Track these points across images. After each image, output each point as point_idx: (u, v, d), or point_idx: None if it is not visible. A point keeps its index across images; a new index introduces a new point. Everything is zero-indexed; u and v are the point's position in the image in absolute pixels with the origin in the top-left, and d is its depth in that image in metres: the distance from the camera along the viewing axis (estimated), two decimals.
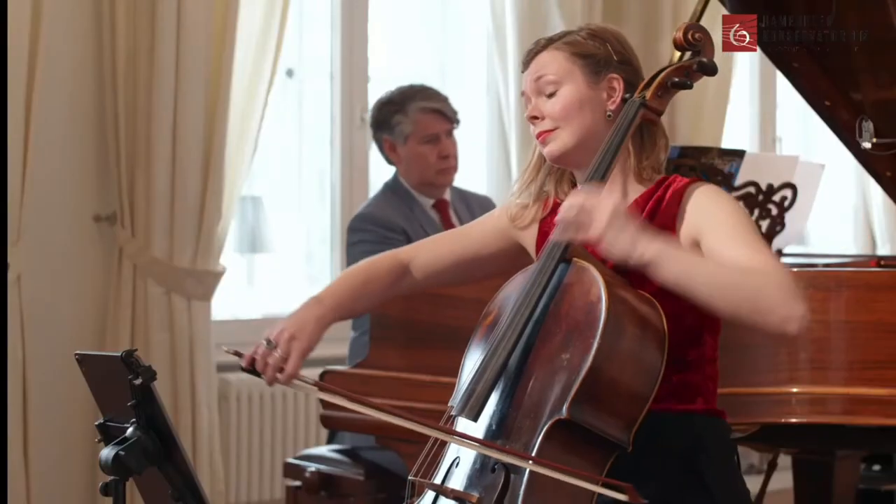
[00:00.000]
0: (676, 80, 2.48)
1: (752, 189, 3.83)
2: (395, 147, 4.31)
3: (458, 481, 2.36)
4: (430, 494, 2.39)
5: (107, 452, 2.24)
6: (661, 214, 2.44)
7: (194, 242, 4.69)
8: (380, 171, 5.44)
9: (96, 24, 4.62)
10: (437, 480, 2.39)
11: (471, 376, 2.38)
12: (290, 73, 5.31)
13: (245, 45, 4.78)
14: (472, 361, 2.44)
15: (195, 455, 4.67)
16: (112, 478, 2.24)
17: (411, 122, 4.28)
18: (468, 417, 2.34)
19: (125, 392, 2.24)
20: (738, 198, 3.72)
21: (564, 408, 2.25)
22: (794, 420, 3.15)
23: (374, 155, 5.38)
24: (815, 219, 5.78)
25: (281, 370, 2.49)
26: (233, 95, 4.73)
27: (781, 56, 3.54)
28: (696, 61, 2.49)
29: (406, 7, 5.73)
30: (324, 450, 4.26)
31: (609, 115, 2.48)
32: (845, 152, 3.69)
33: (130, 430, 2.25)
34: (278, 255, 5.41)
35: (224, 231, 4.78)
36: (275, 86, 4.86)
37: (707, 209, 2.41)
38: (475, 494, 2.30)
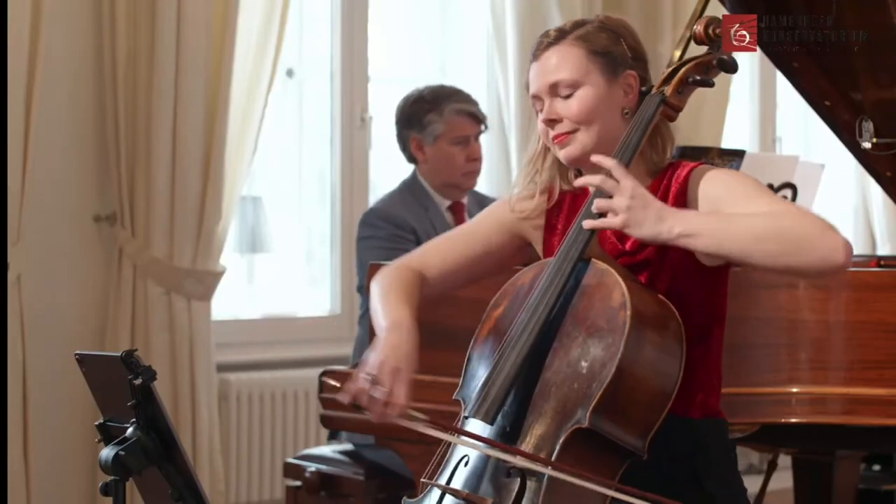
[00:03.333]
0: (698, 77, 2.45)
1: None
2: (423, 146, 4.24)
3: (466, 481, 2.33)
4: (435, 493, 2.36)
5: (107, 452, 2.24)
6: (670, 202, 2.40)
7: (194, 242, 4.69)
8: (380, 171, 5.45)
9: (96, 24, 4.62)
10: (443, 480, 2.36)
11: (485, 376, 2.35)
12: (290, 73, 5.31)
13: (245, 45, 4.78)
14: (481, 355, 2.41)
15: (195, 455, 4.67)
16: (112, 478, 2.24)
17: (444, 122, 4.23)
18: (484, 420, 2.31)
19: (125, 392, 2.23)
20: None
21: (586, 417, 2.22)
22: (794, 420, 3.15)
23: (374, 155, 5.38)
24: None
25: (387, 404, 2.30)
26: (233, 95, 4.73)
27: (781, 56, 3.54)
28: (717, 57, 2.47)
29: (406, 7, 5.73)
30: (324, 450, 4.26)
31: (626, 113, 2.45)
32: (845, 152, 3.69)
33: (130, 430, 2.25)
34: (278, 255, 5.41)
35: (224, 231, 4.78)
36: (275, 86, 4.87)
37: (718, 186, 2.39)
38: (488, 499, 2.27)
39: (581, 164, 2.48)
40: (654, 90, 2.45)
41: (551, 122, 2.45)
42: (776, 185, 3.85)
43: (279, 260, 5.44)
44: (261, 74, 4.81)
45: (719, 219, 2.31)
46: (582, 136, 2.44)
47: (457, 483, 2.34)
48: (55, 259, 4.61)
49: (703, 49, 2.51)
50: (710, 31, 2.48)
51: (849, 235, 2.26)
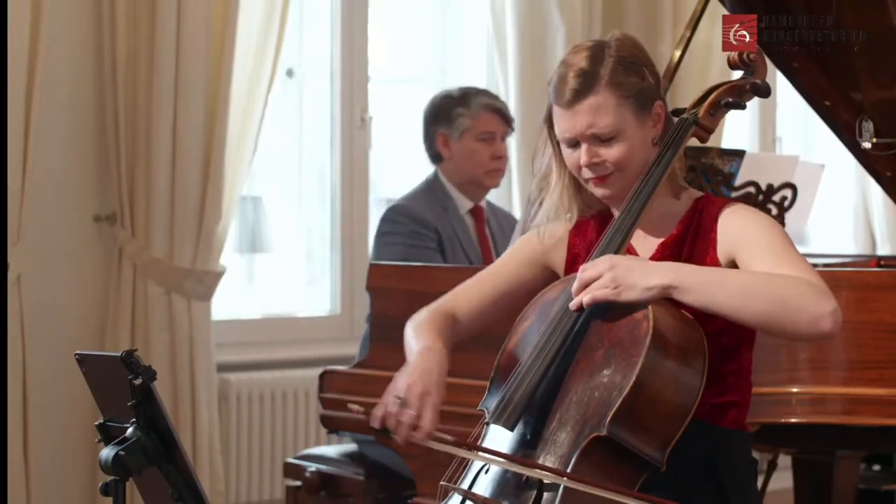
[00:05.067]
0: (730, 100, 2.47)
1: (752, 189, 3.83)
2: (449, 142, 4.24)
3: (486, 488, 2.34)
4: (456, 499, 2.37)
5: (107, 452, 2.24)
6: (701, 239, 2.43)
7: (194, 242, 4.69)
8: (380, 171, 5.45)
9: (96, 24, 4.62)
10: (465, 485, 2.37)
11: (508, 384, 2.36)
12: (290, 73, 5.31)
13: (245, 45, 4.78)
14: (506, 367, 2.41)
15: (195, 455, 4.67)
16: (112, 478, 2.24)
17: (472, 117, 4.23)
18: (505, 426, 2.32)
19: (125, 392, 2.24)
20: (738, 198, 3.72)
21: (604, 425, 2.23)
22: (794, 420, 3.15)
23: (374, 155, 5.38)
24: (815, 219, 5.79)
25: (415, 427, 2.33)
26: (233, 95, 4.73)
27: (781, 56, 3.54)
28: (750, 82, 2.49)
29: (406, 7, 5.73)
30: (324, 450, 4.26)
31: (655, 142, 2.47)
32: (845, 152, 3.69)
33: (130, 430, 2.25)
34: (278, 255, 5.41)
35: (224, 231, 4.78)
36: (275, 86, 4.87)
37: (742, 227, 2.41)
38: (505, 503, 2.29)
39: (616, 199, 2.50)
40: (686, 111, 2.45)
41: (595, 166, 2.45)
42: (776, 185, 3.85)
43: (279, 260, 5.44)
44: (261, 74, 4.81)
45: (712, 274, 2.32)
46: (623, 177, 2.45)
47: (477, 489, 2.35)
48: (55, 259, 4.61)
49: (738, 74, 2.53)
50: (745, 56, 2.49)
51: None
